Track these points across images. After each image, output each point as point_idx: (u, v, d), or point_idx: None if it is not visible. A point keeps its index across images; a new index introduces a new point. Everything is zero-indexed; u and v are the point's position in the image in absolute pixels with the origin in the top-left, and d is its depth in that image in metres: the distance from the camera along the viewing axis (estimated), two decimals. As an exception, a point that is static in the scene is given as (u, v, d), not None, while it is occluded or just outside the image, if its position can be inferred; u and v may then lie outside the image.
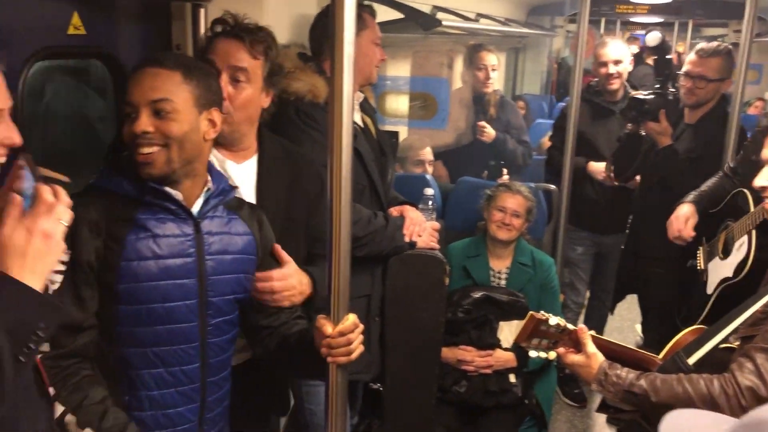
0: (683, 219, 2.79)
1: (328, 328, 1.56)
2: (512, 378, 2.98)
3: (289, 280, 1.83)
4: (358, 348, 1.60)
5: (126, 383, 1.64)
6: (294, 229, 2.06)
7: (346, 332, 1.57)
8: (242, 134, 2.01)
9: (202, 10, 2.40)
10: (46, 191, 1.18)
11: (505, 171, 4.36)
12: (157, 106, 1.54)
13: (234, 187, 1.78)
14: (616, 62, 3.76)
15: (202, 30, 2.41)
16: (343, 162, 1.47)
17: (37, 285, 1.13)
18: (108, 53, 2.25)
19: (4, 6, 1.85)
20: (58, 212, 1.18)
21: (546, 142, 4.68)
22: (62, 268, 1.44)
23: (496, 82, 4.47)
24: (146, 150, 1.55)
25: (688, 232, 2.77)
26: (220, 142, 1.93)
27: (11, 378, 1.06)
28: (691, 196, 2.87)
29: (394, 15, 3.73)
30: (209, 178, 1.70)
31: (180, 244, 1.62)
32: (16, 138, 1.24)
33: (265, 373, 2.06)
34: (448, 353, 2.92)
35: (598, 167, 3.73)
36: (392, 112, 4.37)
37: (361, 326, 1.61)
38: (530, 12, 8.16)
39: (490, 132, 4.27)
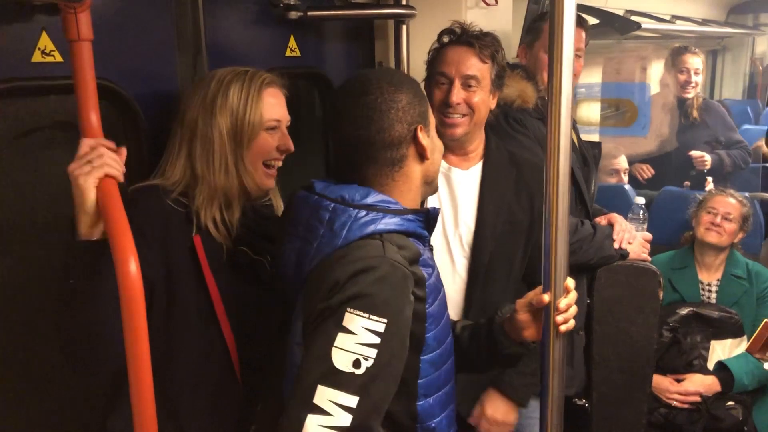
0: None
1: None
2: (729, 402, 2.71)
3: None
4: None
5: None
6: (515, 234, 2.05)
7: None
8: (472, 138, 2.04)
9: (404, 27, 2.47)
10: None
11: (709, 180, 4.05)
12: None
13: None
14: None
15: (404, 46, 2.49)
16: (560, 162, 1.46)
17: None
18: (317, 72, 2.40)
19: (237, 34, 2.07)
20: None
21: (762, 146, 4.29)
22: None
23: (699, 86, 4.20)
24: None
25: None
26: (449, 148, 1.96)
27: None
28: None
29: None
30: None
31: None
32: (291, 145, 1.59)
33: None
34: None
35: None
36: (587, 120, 4.22)
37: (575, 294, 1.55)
38: (731, 11, 7.55)
39: (707, 160, 4.05)
